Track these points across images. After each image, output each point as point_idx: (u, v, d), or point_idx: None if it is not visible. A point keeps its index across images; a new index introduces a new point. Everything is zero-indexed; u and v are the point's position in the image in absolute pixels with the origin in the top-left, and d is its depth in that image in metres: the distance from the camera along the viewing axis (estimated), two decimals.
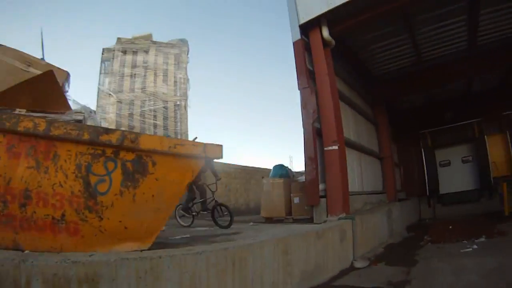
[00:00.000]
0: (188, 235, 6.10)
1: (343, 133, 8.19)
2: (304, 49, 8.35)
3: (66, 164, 3.52)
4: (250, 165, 19.15)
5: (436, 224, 12.57)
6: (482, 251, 6.64)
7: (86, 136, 3.53)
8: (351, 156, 9.70)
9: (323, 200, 7.43)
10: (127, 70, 9.62)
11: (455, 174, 16.28)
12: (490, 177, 15.09)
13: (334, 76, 8.53)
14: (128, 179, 3.71)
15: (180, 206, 8.23)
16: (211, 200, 8.23)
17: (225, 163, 14.98)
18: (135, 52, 9.79)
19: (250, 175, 17.95)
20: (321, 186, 7.52)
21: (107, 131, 3.70)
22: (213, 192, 8.24)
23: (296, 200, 8.49)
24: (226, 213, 7.86)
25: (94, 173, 3.60)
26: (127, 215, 3.70)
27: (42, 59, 5.02)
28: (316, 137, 7.58)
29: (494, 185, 14.62)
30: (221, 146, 4.31)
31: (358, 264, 6.29)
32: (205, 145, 4.15)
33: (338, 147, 7.45)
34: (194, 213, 8.36)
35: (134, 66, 9.43)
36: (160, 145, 3.84)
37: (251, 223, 8.55)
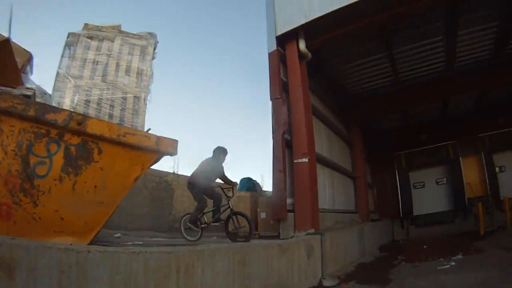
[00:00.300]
0: (141, 242, 5.67)
1: (315, 146, 8.04)
2: (279, 60, 8.30)
3: (8, 140, 3.20)
4: None
5: (410, 244, 12.58)
6: (460, 268, 6.48)
7: (31, 113, 3.23)
8: (323, 173, 9.59)
9: (290, 214, 7.15)
10: (89, 57, 9.34)
11: (429, 196, 16.39)
12: (465, 198, 15.28)
13: (307, 89, 8.49)
14: (70, 165, 3.41)
15: (187, 216, 7.16)
16: (226, 208, 7.06)
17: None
18: (100, 40, 9.51)
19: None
20: (289, 201, 7.24)
21: (54, 109, 3.43)
22: (229, 198, 7.07)
23: (262, 215, 8.19)
24: (243, 225, 6.88)
25: (34, 153, 3.30)
26: (65, 205, 3.37)
27: (8, 38, 4.63)
28: (285, 149, 7.37)
29: (468, 206, 14.82)
30: (176, 141, 4.06)
31: (327, 283, 5.93)
32: (158, 138, 3.90)
33: (309, 159, 7.25)
34: (203, 225, 7.07)
35: (97, 53, 9.16)
36: (108, 132, 3.56)
37: (214, 237, 8.02)
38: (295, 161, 7.31)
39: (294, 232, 6.91)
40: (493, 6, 9.66)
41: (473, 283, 4.94)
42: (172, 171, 11.37)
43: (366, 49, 10.64)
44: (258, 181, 11.10)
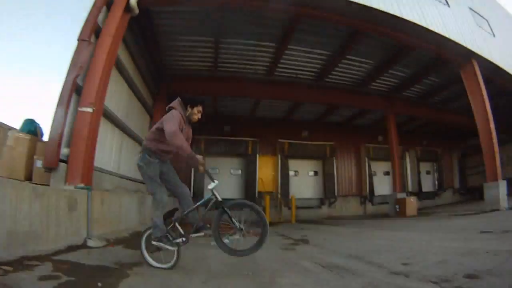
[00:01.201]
0: None
1: (104, 100, 7.53)
2: (104, 3, 7.64)
3: None
4: None
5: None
6: None
7: None
8: (112, 133, 9.23)
9: (63, 165, 6.53)
10: None
11: (222, 182, 17.00)
12: (256, 190, 17.32)
13: (119, 43, 8.05)
14: None
15: (148, 231, 4.31)
16: (212, 202, 4.09)
17: None
18: None
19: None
20: (65, 150, 6.59)
21: None
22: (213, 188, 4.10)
23: (38, 163, 7.13)
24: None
25: None
26: None
27: None
28: (73, 94, 6.70)
29: (258, 198, 16.84)
30: None
31: (91, 243, 5.58)
32: None
33: (94, 111, 6.79)
34: (179, 240, 4.15)
35: None
36: None
37: None
38: (79, 109, 6.69)
39: (65, 184, 6.33)
40: (326, 37, 11.41)
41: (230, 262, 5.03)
42: None
43: (197, 29, 10.77)
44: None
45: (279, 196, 17.70)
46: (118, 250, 5.66)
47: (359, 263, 4.56)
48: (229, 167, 18.25)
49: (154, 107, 13.19)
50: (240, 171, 18.28)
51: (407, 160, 23.23)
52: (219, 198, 4.00)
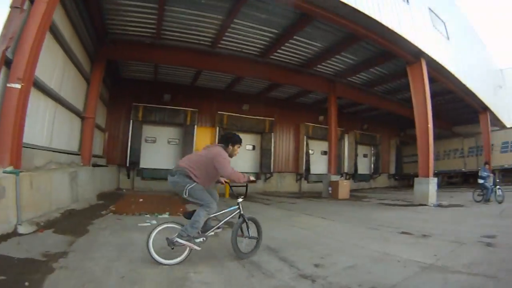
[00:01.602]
0: None
1: (36, 71, 6.91)
2: None
3: None
4: None
5: (129, 195, 12.94)
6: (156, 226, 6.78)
7: None
8: (45, 105, 8.62)
9: None
10: None
11: (159, 152, 17.48)
12: None
13: (55, 7, 7.30)
14: None
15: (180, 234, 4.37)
16: (236, 212, 4.92)
17: None
18: None
19: None
20: None
21: None
22: (240, 202, 4.97)
23: None
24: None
25: None
26: None
27: None
28: (2, 68, 6.10)
29: None
30: None
31: (22, 230, 5.41)
32: None
33: (22, 87, 6.23)
34: (201, 240, 4.52)
35: None
36: None
37: None
38: (7, 85, 6.13)
39: None
40: (275, 16, 11.22)
41: (160, 245, 4.79)
42: None
43: None
44: None
45: None
46: (48, 236, 5.56)
47: (274, 259, 4.73)
48: (167, 136, 17.98)
49: (92, 73, 12.41)
50: (177, 141, 18.06)
51: (346, 141, 24.46)
52: (242, 211, 4.82)
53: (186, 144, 17.29)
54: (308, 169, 21.51)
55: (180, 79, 17.44)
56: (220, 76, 16.99)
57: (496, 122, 24.92)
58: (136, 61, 14.52)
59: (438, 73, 14.70)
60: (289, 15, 11.14)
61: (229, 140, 4.85)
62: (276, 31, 12.26)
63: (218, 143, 4.91)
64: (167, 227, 4.43)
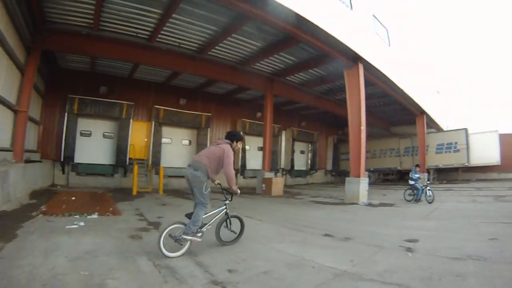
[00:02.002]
0: None
1: None
2: None
3: None
4: None
5: (62, 193, 12.54)
6: (87, 230, 6.66)
7: None
8: None
9: None
10: None
11: (94, 146, 17.06)
12: (127, 156, 16.99)
13: None
14: None
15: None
16: (224, 212, 5.96)
17: None
18: None
19: None
20: None
21: None
22: (227, 203, 5.98)
23: None
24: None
25: None
26: None
27: None
28: None
29: (129, 165, 16.60)
30: None
31: None
32: None
33: None
34: (201, 234, 5.41)
35: None
36: None
37: None
38: None
39: None
40: (213, 13, 11.37)
41: (85, 250, 5.11)
42: None
43: None
44: None
45: (149, 164, 17.62)
46: None
47: (191, 263, 4.73)
48: (102, 130, 17.47)
49: (27, 63, 11.80)
50: (113, 135, 17.62)
51: (283, 138, 25.11)
52: (228, 211, 5.85)
53: (121, 139, 17.02)
54: (244, 164, 21.91)
55: (118, 71, 17.10)
56: (158, 70, 16.86)
57: (433, 125, 26.89)
58: (72, 52, 14.05)
59: (377, 77, 15.38)
60: (228, 13, 11.30)
61: (233, 137, 5.68)
62: (215, 28, 12.39)
63: (225, 139, 5.68)
64: (175, 227, 5.14)
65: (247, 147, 22.47)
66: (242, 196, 14.83)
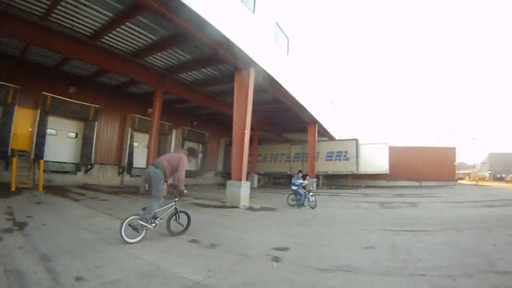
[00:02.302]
0: None
1: None
2: None
3: None
4: None
5: None
6: None
7: None
8: None
9: None
10: None
11: None
12: (9, 147, 14.79)
13: None
14: None
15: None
16: (173, 208, 6.95)
17: None
18: None
19: None
20: None
21: None
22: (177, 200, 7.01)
23: None
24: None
25: None
26: None
27: None
28: None
29: (11, 157, 14.24)
30: None
31: None
32: None
33: None
34: (155, 224, 6.50)
35: None
36: None
37: None
38: None
39: None
40: None
41: None
42: None
43: None
44: None
45: (32, 157, 15.77)
46: None
47: (42, 269, 4.25)
48: None
49: None
50: None
51: (173, 137, 24.56)
52: (177, 207, 6.89)
53: (3, 126, 14.73)
54: (131, 162, 21.02)
55: (6, 48, 14.88)
56: (50, 52, 15.19)
57: (326, 134, 28.48)
58: None
59: (272, 84, 15.55)
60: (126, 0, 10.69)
61: (192, 152, 7.06)
62: (110, 14, 11.68)
63: (186, 150, 7.04)
64: (134, 217, 6.02)
65: (135, 144, 21.51)
66: (125, 197, 14.29)
